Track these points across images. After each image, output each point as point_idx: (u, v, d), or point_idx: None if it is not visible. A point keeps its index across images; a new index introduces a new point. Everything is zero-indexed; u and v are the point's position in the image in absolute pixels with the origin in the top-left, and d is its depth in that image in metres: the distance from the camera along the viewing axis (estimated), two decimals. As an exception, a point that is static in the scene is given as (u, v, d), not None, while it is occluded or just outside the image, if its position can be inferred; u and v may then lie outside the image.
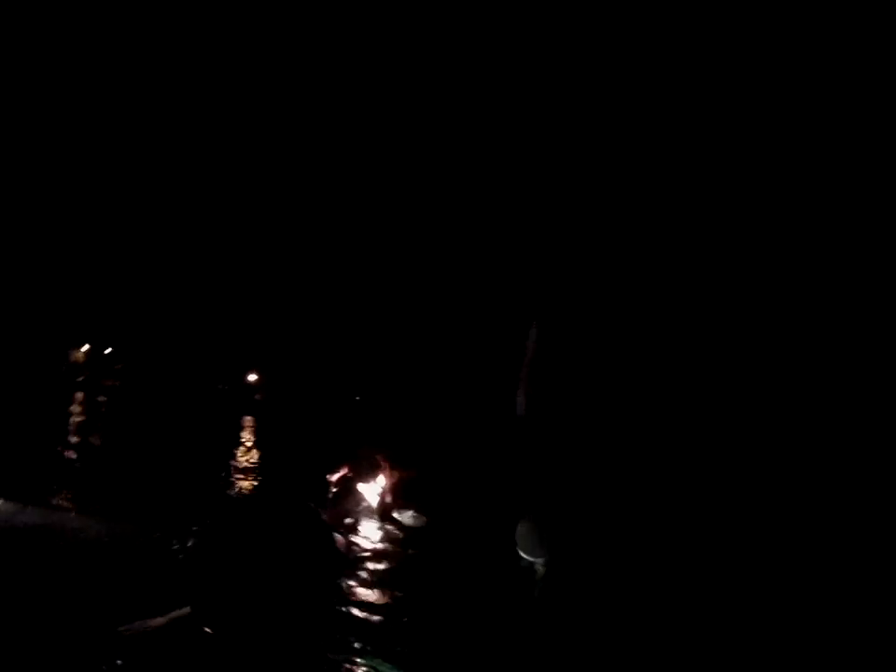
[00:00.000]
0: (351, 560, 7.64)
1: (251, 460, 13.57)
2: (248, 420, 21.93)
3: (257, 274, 29.66)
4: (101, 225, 29.29)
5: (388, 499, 9.11)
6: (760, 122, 7.80)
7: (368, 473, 9.37)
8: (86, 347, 30.51)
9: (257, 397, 28.51)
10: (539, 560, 7.27)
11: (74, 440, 14.24)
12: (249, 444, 16.18)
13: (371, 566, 7.38)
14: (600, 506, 7.48)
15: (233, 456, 13.73)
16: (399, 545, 8.17)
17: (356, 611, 6.08)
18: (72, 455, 12.50)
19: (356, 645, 5.43)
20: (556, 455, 7.98)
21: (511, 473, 8.55)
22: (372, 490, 9.23)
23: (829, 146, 6.99)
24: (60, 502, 8.91)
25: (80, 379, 27.42)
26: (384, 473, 9.29)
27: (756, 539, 6.83)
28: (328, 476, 9.79)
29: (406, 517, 8.98)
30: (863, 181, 6.80)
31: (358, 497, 9.24)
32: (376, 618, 6.01)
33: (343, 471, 9.60)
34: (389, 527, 8.72)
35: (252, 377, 29.93)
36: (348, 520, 8.90)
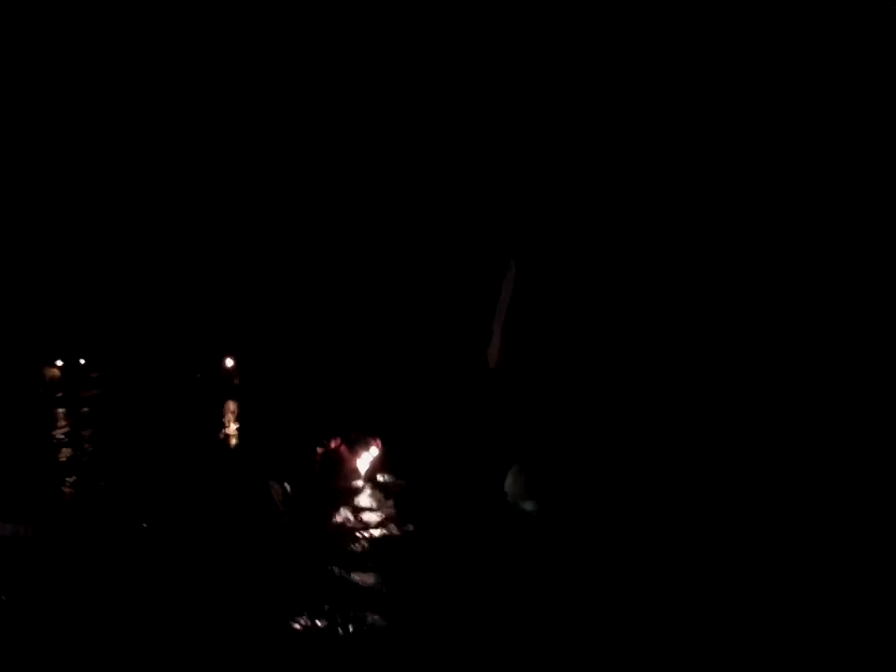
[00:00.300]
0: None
1: (235, 444, 13.41)
2: (231, 405, 21.67)
3: (220, 260, 29.01)
4: (50, 227, 28.35)
5: (376, 468, 9.05)
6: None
7: (359, 444, 9.28)
8: (59, 363, 29.90)
9: (236, 381, 28.19)
10: (532, 507, 7.21)
11: (64, 456, 13.92)
12: (233, 429, 16.00)
13: (365, 531, 7.29)
14: (588, 452, 7.40)
15: (220, 444, 13.55)
16: (391, 507, 8.10)
17: (352, 575, 5.98)
18: (62, 469, 12.22)
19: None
20: (539, 405, 7.85)
21: (490, 428, 8.46)
22: (364, 460, 9.15)
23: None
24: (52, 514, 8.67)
25: (59, 395, 26.83)
26: (375, 445, 9.21)
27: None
28: (318, 448, 9.67)
29: (390, 481, 8.93)
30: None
31: (349, 467, 9.15)
32: (372, 578, 5.92)
33: (334, 443, 9.48)
34: (377, 492, 8.67)
35: (229, 362, 29.54)
36: (344, 485, 8.86)
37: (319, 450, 9.48)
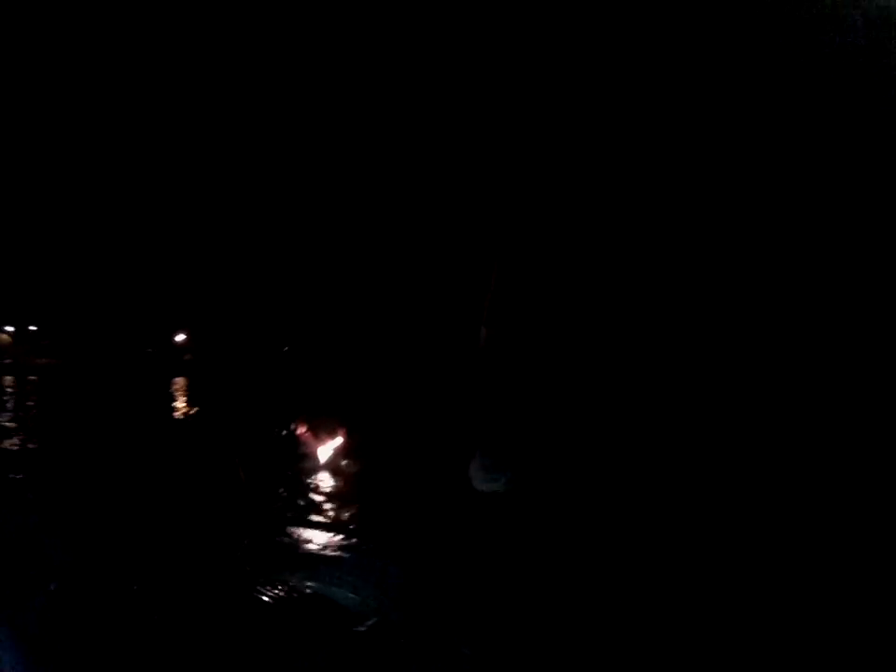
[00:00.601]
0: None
1: (183, 423, 12.93)
2: (179, 381, 21.13)
3: (174, 233, 28.13)
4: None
5: (339, 454, 8.80)
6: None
7: (324, 432, 9.01)
8: (10, 328, 28.70)
9: (186, 357, 27.58)
10: (496, 487, 7.07)
11: (8, 424, 13.26)
12: (182, 408, 15.50)
13: (328, 510, 7.05)
14: (558, 437, 7.28)
15: (165, 423, 13.02)
16: (350, 490, 7.87)
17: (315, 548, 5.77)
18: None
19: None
20: (518, 388, 7.71)
21: (467, 406, 8.28)
22: (327, 447, 8.89)
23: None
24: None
25: (8, 362, 25.78)
26: (340, 434, 8.94)
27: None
28: (283, 431, 9.38)
29: (351, 466, 8.70)
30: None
31: (310, 452, 8.89)
32: (338, 552, 5.70)
33: (300, 430, 9.19)
34: (338, 476, 8.43)
35: (180, 337, 28.85)
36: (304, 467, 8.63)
37: (284, 433, 9.21)
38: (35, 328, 29.61)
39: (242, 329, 25.68)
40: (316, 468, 8.60)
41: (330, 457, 8.71)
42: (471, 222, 9.66)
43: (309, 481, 8.15)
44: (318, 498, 7.42)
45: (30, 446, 10.09)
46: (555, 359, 7.67)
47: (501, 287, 7.79)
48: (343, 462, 8.66)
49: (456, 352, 8.69)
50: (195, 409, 14.80)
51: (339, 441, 8.83)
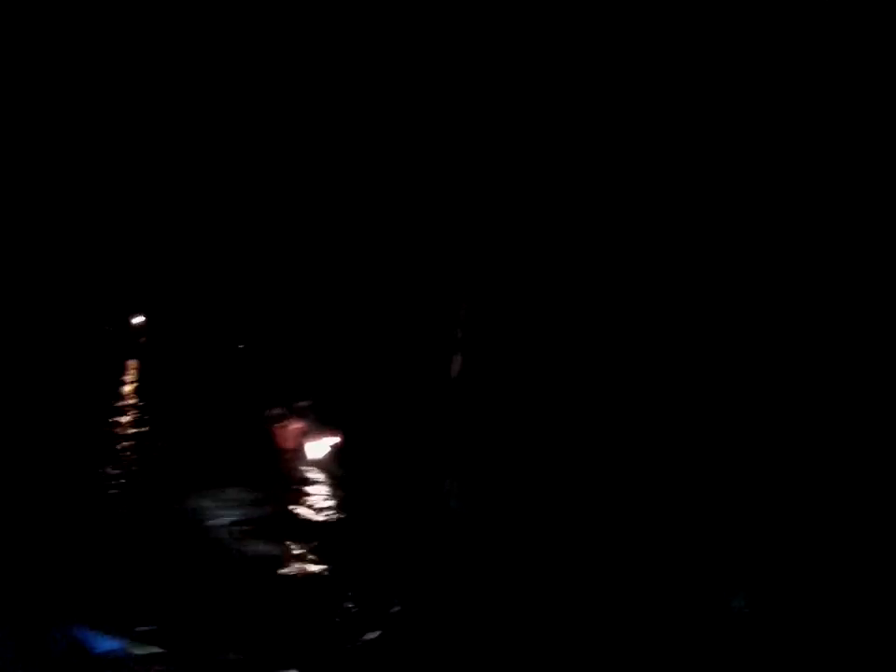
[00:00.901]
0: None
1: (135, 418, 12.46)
2: (132, 364, 20.53)
3: (139, 214, 27.51)
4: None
5: (332, 454, 8.79)
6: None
7: (318, 431, 8.99)
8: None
9: (141, 340, 26.97)
10: (467, 509, 7.20)
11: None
12: (129, 390, 15.02)
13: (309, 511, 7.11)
14: (527, 462, 7.42)
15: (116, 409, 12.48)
16: (337, 493, 7.92)
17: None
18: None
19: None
20: (489, 412, 7.87)
21: (440, 431, 8.39)
22: (319, 445, 8.85)
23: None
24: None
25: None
26: (333, 434, 8.91)
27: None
28: (277, 423, 9.31)
29: (337, 468, 8.71)
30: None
31: (301, 449, 8.88)
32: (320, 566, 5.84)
33: (295, 425, 9.16)
34: (328, 479, 8.44)
35: (137, 319, 28.16)
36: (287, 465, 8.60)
37: (277, 424, 9.17)
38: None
39: (198, 322, 25.27)
40: (303, 463, 8.60)
41: (323, 456, 8.69)
42: (445, 245, 9.64)
43: (299, 476, 8.19)
44: (308, 496, 7.54)
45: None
46: (526, 383, 7.87)
47: (473, 315, 8.00)
48: (331, 463, 8.63)
49: (430, 376, 8.84)
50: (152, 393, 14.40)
51: (335, 440, 8.79)
